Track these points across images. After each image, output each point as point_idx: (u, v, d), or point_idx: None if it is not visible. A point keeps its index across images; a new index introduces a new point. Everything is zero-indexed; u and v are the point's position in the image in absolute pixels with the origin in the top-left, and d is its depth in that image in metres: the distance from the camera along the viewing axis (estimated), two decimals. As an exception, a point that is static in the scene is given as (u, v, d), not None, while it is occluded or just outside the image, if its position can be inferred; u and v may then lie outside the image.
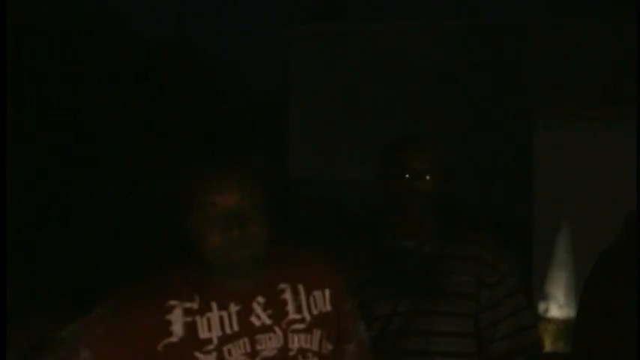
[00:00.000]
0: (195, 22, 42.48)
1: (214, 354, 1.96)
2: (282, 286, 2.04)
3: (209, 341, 1.96)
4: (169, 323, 1.95)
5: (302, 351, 2.01)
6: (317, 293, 2.07)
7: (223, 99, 13.94)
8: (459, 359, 2.70)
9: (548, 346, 7.87)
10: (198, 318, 1.97)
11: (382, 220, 2.77)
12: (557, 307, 8.23)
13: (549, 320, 8.11)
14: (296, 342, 2.01)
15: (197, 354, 1.95)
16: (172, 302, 1.97)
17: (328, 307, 2.07)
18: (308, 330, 2.03)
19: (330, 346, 2.07)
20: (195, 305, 1.98)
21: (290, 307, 2.03)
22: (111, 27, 12.72)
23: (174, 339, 1.95)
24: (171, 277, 2.02)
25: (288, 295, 2.04)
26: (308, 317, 2.04)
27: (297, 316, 2.03)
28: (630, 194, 2.86)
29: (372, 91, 11.62)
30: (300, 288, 2.06)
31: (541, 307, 8.34)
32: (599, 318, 2.10)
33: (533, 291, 8.24)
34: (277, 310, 2.01)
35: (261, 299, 2.01)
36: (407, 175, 2.69)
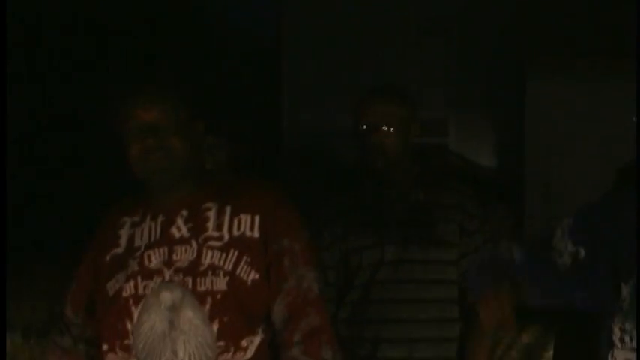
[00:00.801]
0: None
1: (139, 259, 2.11)
2: (208, 204, 2.12)
3: (139, 248, 2.13)
4: (119, 237, 2.16)
5: (213, 267, 2.04)
6: (244, 217, 2.10)
7: (212, 47, 13.86)
8: (446, 305, 2.75)
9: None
10: (137, 229, 2.15)
11: (366, 169, 2.78)
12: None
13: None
14: (209, 258, 2.05)
15: (130, 260, 2.11)
16: (125, 219, 2.19)
17: (255, 234, 2.08)
18: (224, 248, 2.06)
19: (255, 275, 2.06)
20: (137, 218, 2.17)
21: (210, 224, 2.10)
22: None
23: (120, 250, 2.16)
24: (128, 198, 2.23)
25: (212, 214, 2.11)
26: (226, 236, 2.08)
27: (215, 234, 2.08)
28: (621, 146, 2.85)
29: (365, 41, 11.55)
30: (228, 209, 2.11)
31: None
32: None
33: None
34: (197, 225, 2.10)
35: (185, 213, 2.11)
36: (364, 128, 2.71)
